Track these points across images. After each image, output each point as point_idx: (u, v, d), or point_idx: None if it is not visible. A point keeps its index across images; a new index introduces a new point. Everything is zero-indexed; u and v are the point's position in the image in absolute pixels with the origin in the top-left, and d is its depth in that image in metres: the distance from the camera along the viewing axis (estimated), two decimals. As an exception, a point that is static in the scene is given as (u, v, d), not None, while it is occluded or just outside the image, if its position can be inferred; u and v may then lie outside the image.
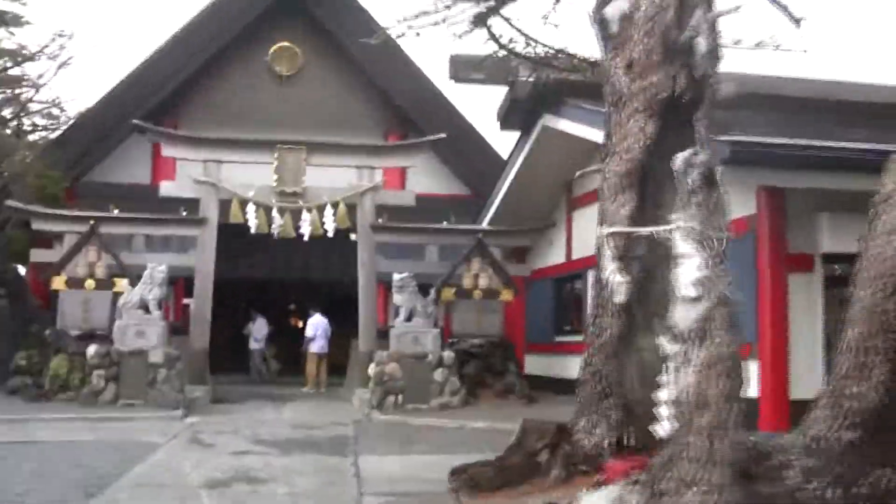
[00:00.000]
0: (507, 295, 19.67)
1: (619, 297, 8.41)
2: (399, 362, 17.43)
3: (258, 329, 26.10)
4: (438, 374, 17.55)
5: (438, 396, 17.44)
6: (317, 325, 23.79)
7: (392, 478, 10.51)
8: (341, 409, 18.98)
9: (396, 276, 18.07)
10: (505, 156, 26.77)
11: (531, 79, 19.11)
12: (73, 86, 52.26)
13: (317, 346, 23.53)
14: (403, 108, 26.68)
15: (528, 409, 17.34)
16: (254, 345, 26.23)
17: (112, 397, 16.80)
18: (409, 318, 17.95)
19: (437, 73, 37.72)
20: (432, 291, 18.89)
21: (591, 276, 19.63)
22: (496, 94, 20.97)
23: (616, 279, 8.39)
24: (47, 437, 13.37)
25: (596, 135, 17.17)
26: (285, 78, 26.57)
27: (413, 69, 26.71)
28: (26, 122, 25.92)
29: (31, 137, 25.10)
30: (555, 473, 8.71)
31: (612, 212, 8.97)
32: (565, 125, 18.66)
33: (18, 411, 15.79)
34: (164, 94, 25.51)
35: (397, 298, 18.14)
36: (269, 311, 27.75)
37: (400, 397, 17.34)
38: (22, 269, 24.27)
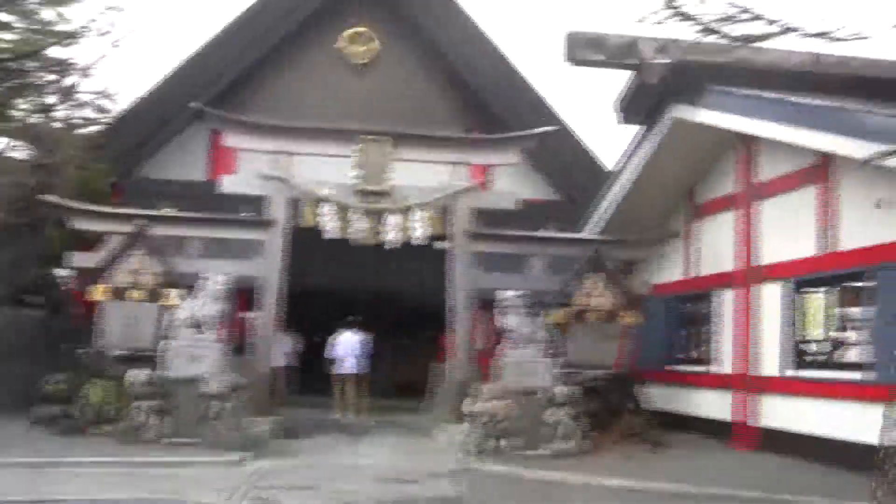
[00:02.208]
0: (629, 318, 16.46)
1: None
2: (504, 399, 14.28)
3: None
4: (550, 414, 14.37)
5: (551, 441, 14.29)
6: (346, 343, 21.34)
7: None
8: (427, 448, 16.07)
9: (503, 294, 14.97)
10: (601, 157, 24.42)
11: (664, 60, 16.06)
12: (125, 76, 49.71)
13: (346, 367, 21.11)
14: (487, 102, 24.10)
15: (660, 459, 14.30)
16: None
17: (156, 435, 13.84)
18: (517, 345, 14.81)
19: (526, 62, 35.18)
20: (542, 314, 15.72)
21: (716, 297, 16.68)
22: (589, 87, 18.02)
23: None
24: (70, 494, 10.40)
25: (756, 126, 14.36)
26: (359, 66, 24.27)
27: (500, 58, 24.30)
28: (76, 115, 23.25)
29: (82, 132, 22.32)
30: None
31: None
32: (707, 116, 15.68)
33: (42, 450, 12.89)
34: (224, 84, 23.28)
35: (504, 321, 14.96)
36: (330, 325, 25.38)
37: (504, 441, 14.16)
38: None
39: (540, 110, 23.42)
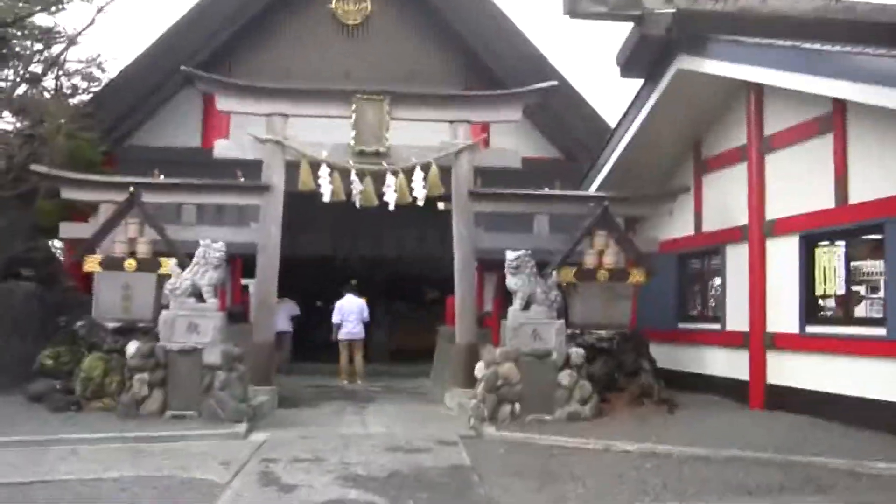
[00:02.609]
0: (637, 276, 15.97)
1: None
2: (516, 362, 13.81)
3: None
4: (565, 377, 13.88)
5: (565, 405, 13.80)
6: (344, 309, 21.14)
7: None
8: (436, 415, 15.65)
9: (511, 254, 14.44)
10: (602, 114, 24.02)
11: (668, 10, 15.58)
12: (114, 43, 48.89)
13: (344, 333, 20.96)
14: (484, 59, 23.65)
15: (676, 421, 13.87)
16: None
17: (158, 407, 13.34)
18: (526, 307, 14.33)
19: (524, 19, 34.58)
20: (554, 273, 15.24)
21: (728, 253, 16.27)
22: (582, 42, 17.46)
23: None
24: (71, 474, 9.94)
25: (767, 75, 13.90)
26: (352, 26, 23.79)
27: (498, 14, 23.87)
28: (66, 84, 22.78)
29: (71, 102, 21.81)
30: None
31: None
32: (714, 66, 15.20)
33: (40, 427, 12.37)
34: (215, 47, 22.87)
35: (512, 282, 14.40)
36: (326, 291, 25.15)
37: (517, 406, 13.69)
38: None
39: (539, 68, 22.84)
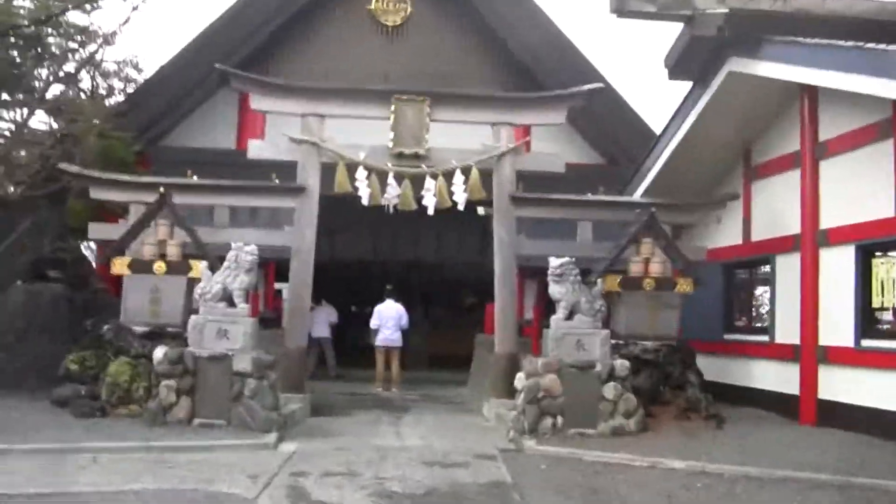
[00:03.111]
0: (685, 285, 15.35)
1: None
2: (559, 373, 13.22)
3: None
4: (609, 390, 13.27)
5: (609, 418, 13.20)
6: (383, 314, 20.70)
7: None
8: (474, 426, 15.07)
9: (554, 261, 13.88)
10: (647, 119, 23.54)
11: (720, 10, 14.98)
12: (151, 44, 48.76)
13: (381, 339, 20.46)
14: (525, 62, 23.03)
15: (724, 437, 13.25)
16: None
17: (186, 415, 12.82)
18: (569, 316, 13.76)
19: (567, 21, 34.09)
20: (599, 282, 14.65)
21: (778, 263, 15.64)
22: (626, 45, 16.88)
23: None
24: (88, 485, 9.46)
25: (825, 77, 13.28)
26: (392, 28, 23.31)
27: (540, 16, 23.30)
28: (102, 85, 22.51)
29: (107, 102, 21.51)
30: None
31: None
32: (768, 68, 14.59)
33: (62, 434, 11.88)
34: (252, 47, 22.37)
35: (555, 290, 13.83)
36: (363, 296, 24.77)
37: (559, 419, 13.10)
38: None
39: (582, 71, 22.16)
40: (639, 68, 53.38)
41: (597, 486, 10.11)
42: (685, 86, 17.22)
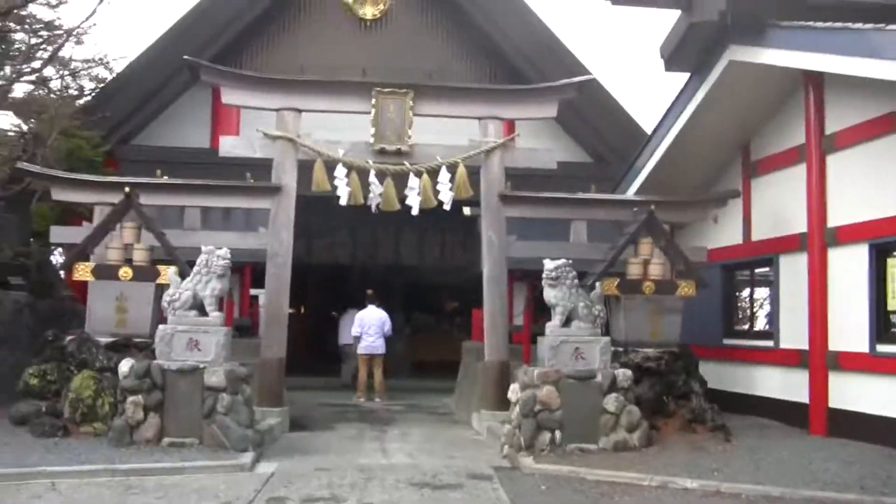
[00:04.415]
0: (686, 288, 14.49)
1: None
2: (556, 385, 12.30)
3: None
4: (611, 402, 12.33)
5: (611, 432, 12.27)
6: (365, 320, 20.01)
7: None
8: (464, 440, 14.28)
9: (549, 264, 12.92)
10: (636, 116, 22.83)
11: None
12: (122, 44, 47.85)
13: (363, 346, 19.87)
14: (510, 58, 22.34)
15: (735, 450, 12.33)
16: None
17: (154, 434, 11.82)
18: (566, 322, 12.85)
19: (552, 15, 33.25)
20: (597, 286, 13.75)
21: (782, 263, 14.78)
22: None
23: None
24: (45, 518, 8.54)
25: (836, 63, 12.45)
26: (369, 22, 22.53)
27: (523, 9, 22.63)
28: (73, 85, 21.78)
29: (78, 103, 20.71)
30: None
31: None
32: (774, 55, 13.75)
33: (19, 457, 10.87)
34: (225, 42, 21.62)
35: (550, 295, 12.87)
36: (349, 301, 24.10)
37: (558, 434, 12.16)
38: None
39: (569, 66, 21.37)
40: (625, 67, 52.60)
41: (607, 511, 9.24)
42: (675, 83, 16.48)
